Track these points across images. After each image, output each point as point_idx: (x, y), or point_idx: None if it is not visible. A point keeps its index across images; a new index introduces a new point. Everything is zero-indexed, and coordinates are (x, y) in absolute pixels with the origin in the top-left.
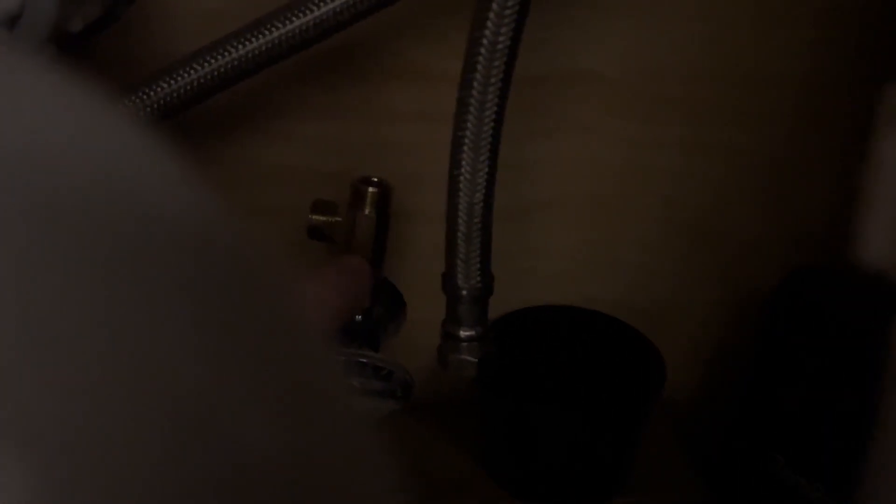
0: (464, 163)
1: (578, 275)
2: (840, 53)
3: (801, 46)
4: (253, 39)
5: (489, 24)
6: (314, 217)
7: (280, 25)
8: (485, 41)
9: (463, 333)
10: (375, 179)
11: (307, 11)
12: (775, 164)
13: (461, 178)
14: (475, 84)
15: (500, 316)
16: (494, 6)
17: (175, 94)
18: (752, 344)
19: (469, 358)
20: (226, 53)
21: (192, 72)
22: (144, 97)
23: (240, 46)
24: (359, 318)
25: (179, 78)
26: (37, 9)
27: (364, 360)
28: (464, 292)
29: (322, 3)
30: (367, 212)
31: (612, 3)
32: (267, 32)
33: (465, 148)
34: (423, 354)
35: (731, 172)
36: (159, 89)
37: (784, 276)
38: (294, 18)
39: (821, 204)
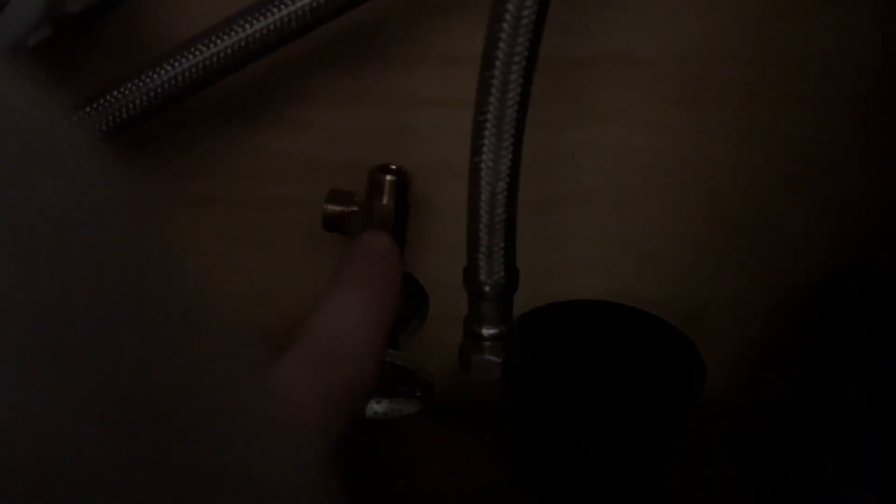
0: (485, 149)
1: (615, 269)
2: (889, 33)
3: (855, 25)
4: (261, 18)
5: None
6: (329, 207)
7: (290, 2)
8: (507, 16)
9: (486, 332)
10: (394, 167)
11: None
12: (820, 155)
13: (482, 165)
14: (497, 63)
15: (528, 311)
16: None
17: (180, 78)
18: (798, 344)
19: (493, 358)
20: (232, 34)
21: (196, 54)
22: (148, 80)
23: (247, 26)
24: None
25: (184, 60)
26: None
27: (384, 359)
28: (487, 288)
29: None
30: (384, 201)
31: None
32: (276, 10)
33: (487, 133)
34: (446, 353)
35: (774, 161)
36: (163, 72)
37: (827, 272)
38: None
39: (871, 197)
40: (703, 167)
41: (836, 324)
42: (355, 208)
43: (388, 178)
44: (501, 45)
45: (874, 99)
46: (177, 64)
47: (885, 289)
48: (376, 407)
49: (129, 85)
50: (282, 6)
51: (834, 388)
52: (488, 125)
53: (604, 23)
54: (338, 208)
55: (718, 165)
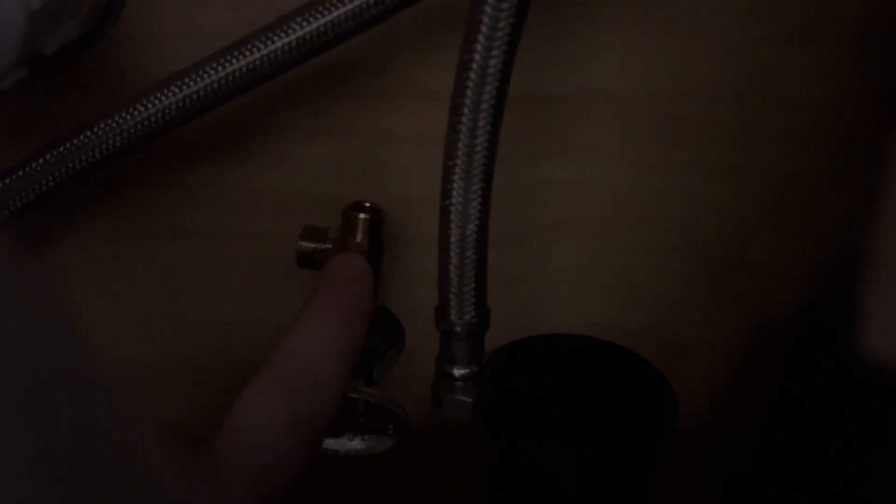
0: (454, 192)
1: (588, 303)
2: (865, 73)
3: (823, 66)
4: (234, 61)
5: (478, 46)
6: (303, 244)
7: (262, 46)
8: (474, 65)
9: (457, 372)
10: (368, 205)
11: (290, 31)
12: (794, 190)
13: (452, 209)
14: (465, 110)
15: (503, 345)
16: (484, 28)
17: (154, 118)
18: (769, 374)
19: (464, 398)
20: (206, 76)
21: (171, 94)
22: (121, 121)
23: (220, 68)
24: None
25: (157, 101)
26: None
27: (355, 396)
28: (458, 328)
29: (305, 23)
30: (358, 239)
31: (622, 18)
32: (248, 53)
33: (456, 178)
34: (422, 386)
35: (747, 196)
36: (137, 113)
37: (803, 305)
38: (276, 39)
39: (840, 231)
40: (676, 202)
41: (809, 357)
42: (329, 245)
43: (362, 216)
44: (468, 92)
45: (847, 136)
46: (150, 105)
47: (859, 322)
48: (349, 444)
49: (102, 125)
50: (254, 49)
51: (807, 421)
52: (457, 170)
53: (578, 59)
54: (311, 245)
55: (691, 200)
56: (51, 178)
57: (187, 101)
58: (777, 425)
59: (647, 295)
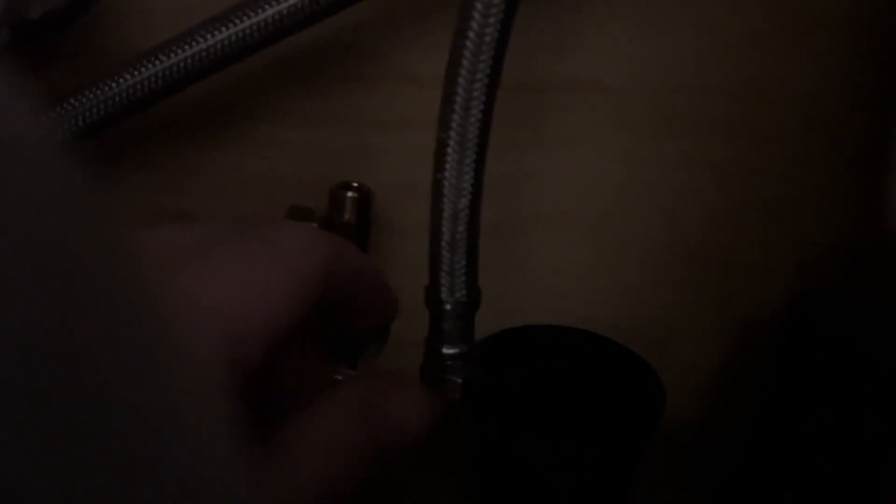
0: (448, 166)
1: (575, 295)
2: (858, 69)
3: (816, 60)
4: (223, 29)
5: (476, 14)
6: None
7: (252, 14)
8: (471, 33)
9: (447, 351)
10: (356, 185)
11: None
12: (782, 184)
13: (445, 182)
14: (460, 80)
15: (489, 335)
16: None
17: (139, 87)
18: (756, 371)
19: (454, 378)
20: (193, 44)
21: (156, 63)
22: (107, 89)
23: (209, 36)
24: (337, 333)
25: (143, 70)
26: None
27: (339, 378)
28: (448, 307)
29: None
30: (346, 218)
31: (615, 10)
32: (238, 21)
33: (450, 150)
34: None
35: (736, 191)
36: (122, 81)
37: (788, 300)
38: (268, 7)
39: (827, 227)
40: (665, 195)
41: (796, 353)
42: (315, 225)
43: (350, 194)
44: (464, 62)
45: (836, 131)
46: (136, 73)
47: (846, 317)
48: None
49: (87, 93)
50: (244, 18)
51: (794, 416)
52: (451, 142)
53: (570, 49)
54: None
55: (679, 194)
56: None
57: (174, 69)
58: (765, 422)
59: (633, 289)
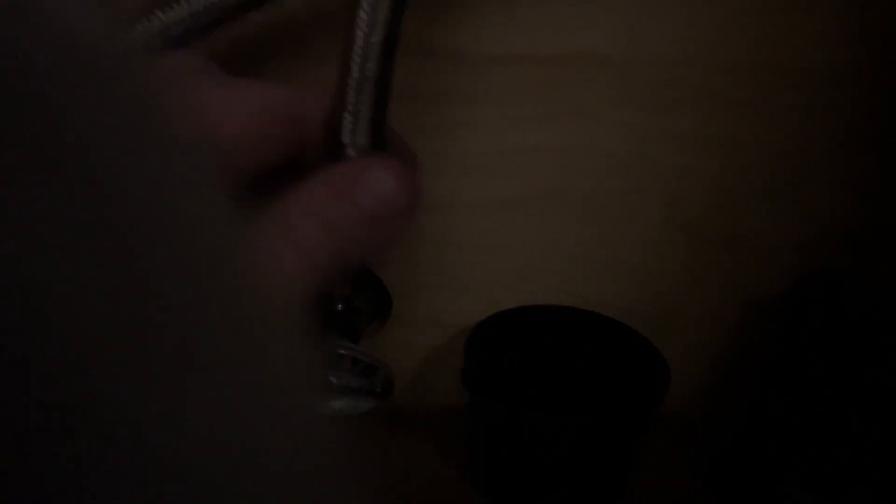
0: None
1: (575, 274)
2: (861, 46)
3: (818, 37)
4: None
5: None
6: None
7: None
8: None
9: None
10: None
11: None
12: (785, 162)
13: (360, 12)
14: None
15: (491, 315)
16: None
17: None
18: (757, 351)
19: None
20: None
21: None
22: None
23: None
24: (339, 307)
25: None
26: None
27: (343, 352)
28: (349, 150)
29: None
30: None
31: None
32: None
33: None
34: (406, 354)
35: (739, 169)
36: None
37: (791, 280)
38: None
39: (830, 207)
40: (666, 172)
41: (799, 333)
42: None
43: None
44: None
45: (841, 108)
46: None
47: (849, 298)
48: (335, 404)
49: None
50: None
51: (796, 397)
52: None
53: (574, 22)
54: None
55: (681, 171)
56: None
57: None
58: (766, 401)
59: (634, 268)
